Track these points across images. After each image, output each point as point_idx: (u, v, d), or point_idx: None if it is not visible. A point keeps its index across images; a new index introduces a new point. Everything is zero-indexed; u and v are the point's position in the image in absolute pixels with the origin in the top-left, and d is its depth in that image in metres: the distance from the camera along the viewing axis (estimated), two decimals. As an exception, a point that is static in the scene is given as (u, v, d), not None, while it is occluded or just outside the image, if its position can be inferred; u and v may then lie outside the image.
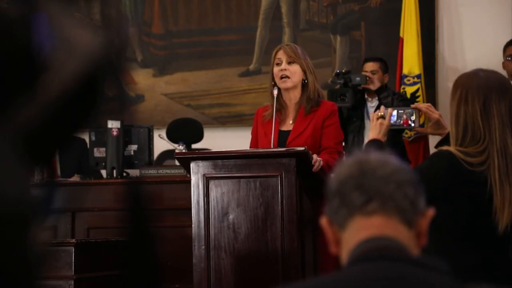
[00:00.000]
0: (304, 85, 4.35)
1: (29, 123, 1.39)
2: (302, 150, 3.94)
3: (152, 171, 5.41)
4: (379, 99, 5.95)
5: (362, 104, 6.04)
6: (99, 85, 1.45)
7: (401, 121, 3.57)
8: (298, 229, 3.92)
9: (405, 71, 6.46)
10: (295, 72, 4.32)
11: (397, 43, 6.56)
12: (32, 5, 1.42)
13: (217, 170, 4.02)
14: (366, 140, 5.96)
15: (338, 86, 5.99)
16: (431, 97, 6.58)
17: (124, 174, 5.49)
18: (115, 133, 5.43)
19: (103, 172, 5.68)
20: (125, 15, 7.36)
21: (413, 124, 3.59)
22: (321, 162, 4.01)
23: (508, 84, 2.94)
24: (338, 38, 7.12)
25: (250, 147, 4.42)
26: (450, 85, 3.06)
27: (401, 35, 6.55)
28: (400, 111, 3.57)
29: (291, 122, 4.35)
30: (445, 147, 2.91)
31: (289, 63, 4.33)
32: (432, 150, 5.31)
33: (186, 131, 6.67)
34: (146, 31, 7.50)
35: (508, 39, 6.04)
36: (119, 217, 1.54)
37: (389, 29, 6.83)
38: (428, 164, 3.00)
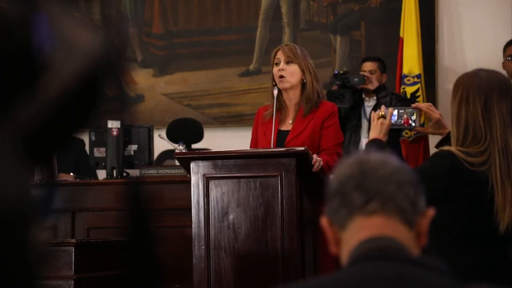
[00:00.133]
0: (304, 85, 4.35)
1: (29, 123, 1.39)
2: (302, 150, 3.94)
3: (152, 171, 5.41)
4: (377, 99, 5.96)
5: (360, 104, 6.05)
6: (99, 85, 1.45)
7: (402, 121, 3.57)
8: (298, 229, 3.92)
9: (405, 71, 6.46)
10: (293, 72, 4.32)
11: (397, 43, 6.56)
12: (32, 5, 1.42)
13: (217, 170, 4.02)
14: (362, 139, 6.01)
15: (336, 87, 6.00)
16: (431, 97, 6.57)
17: (124, 174, 5.49)
18: (115, 133, 5.43)
19: (103, 172, 5.68)
20: (125, 15, 7.36)
21: (413, 124, 3.59)
22: (321, 162, 4.02)
23: (509, 84, 2.94)
24: (338, 38, 7.12)
25: (250, 146, 4.42)
26: (450, 85, 3.06)
27: (401, 35, 6.55)
28: (400, 111, 3.57)
29: (290, 122, 4.35)
30: (446, 147, 2.91)
31: (287, 63, 4.32)
32: (432, 150, 5.32)
33: (186, 131, 6.67)
34: (146, 31, 7.50)
35: (508, 39, 6.04)
36: (119, 217, 1.54)
37: (389, 29, 6.83)
38: (429, 164, 3.00)
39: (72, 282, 4.32)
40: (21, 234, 1.35)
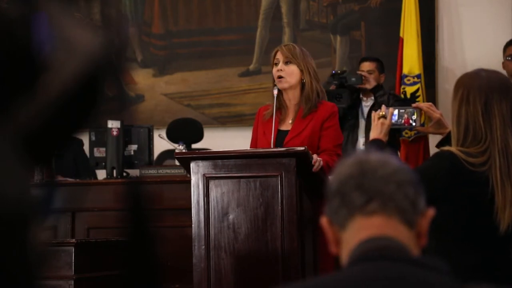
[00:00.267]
0: (304, 85, 4.34)
1: (29, 123, 1.39)
2: (302, 150, 3.94)
3: (152, 171, 5.41)
4: (375, 98, 5.97)
5: (357, 103, 6.06)
6: (99, 85, 1.45)
7: (402, 121, 3.57)
8: (298, 229, 3.92)
9: (405, 71, 6.46)
10: (291, 72, 4.32)
11: (397, 43, 6.56)
12: (32, 5, 1.42)
13: (217, 170, 4.02)
14: (360, 138, 6.03)
15: (333, 87, 6.01)
16: (431, 97, 6.57)
17: (124, 174, 5.49)
18: (115, 133, 5.43)
19: (103, 172, 5.68)
20: (125, 15, 7.36)
21: (414, 124, 3.59)
22: (321, 162, 4.01)
23: (509, 84, 2.94)
24: (338, 38, 7.12)
25: (250, 146, 4.42)
26: (450, 85, 3.07)
27: (401, 35, 6.55)
28: (401, 111, 3.57)
29: (290, 122, 4.35)
30: (446, 147, 2.91)
31: (286, 63, 4.32)
32: (432, 150, 5.32)
33: (186, 131, 6.67)
34: (146, 31, 7.50)
35: (508, 39, 6.04)
36: (119, 217, 1.54)
37: (389, 29, 6.83)
38: (429, 164, 3.00)
39: (72, 282, 4.32)
40: (21, 234, 1.35)
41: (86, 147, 5.89)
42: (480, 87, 2.87)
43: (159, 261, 1.53)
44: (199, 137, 6.62)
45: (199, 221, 4.00)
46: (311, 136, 4.25)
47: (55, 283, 4.26)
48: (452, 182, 2.83)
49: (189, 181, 4.07)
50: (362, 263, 1.47)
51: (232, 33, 7.35)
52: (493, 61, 5.78)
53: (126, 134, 5.56)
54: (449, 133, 3.05)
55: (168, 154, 6.43)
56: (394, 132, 5.73)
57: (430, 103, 3.69)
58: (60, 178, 5.43)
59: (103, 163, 5.55)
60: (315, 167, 3.98)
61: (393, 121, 3.52)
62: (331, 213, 1.55)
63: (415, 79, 6.43)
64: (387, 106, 3.64)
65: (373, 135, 3.43)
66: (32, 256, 1.37)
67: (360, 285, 1.44)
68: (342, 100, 5.93)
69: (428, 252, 2.49)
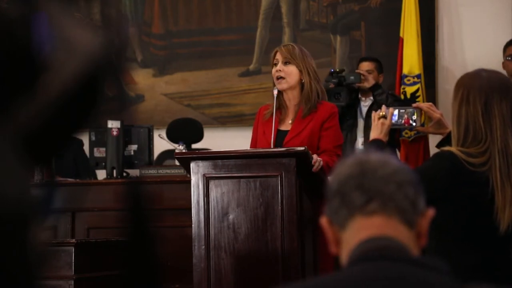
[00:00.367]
0: (303, 85, 4.34)
1: (29, 123, 1.39)
2: (302, 150, 3.94)
3: (152, 171, 5.41)
4: (374, 96, 5.97)
5: (356, 103, 6.07)
6: (99, 85, 1.45)
7: (403, 121, 3.57)
8: (298, 229, 3.92)
9: (405, 71, 6.45)
10: (290, 72, 4.31)
11: (397, 43, 6.56)
12: (32, 5, 1.42)
13: (217, 170, 4.02)
14: (358, 138, 6.03)
15: (332, 85, 6.02)
16: (431, 97, 6.57)
17: (124, 174, 5.49)
18: (115, 133, 5.43)
19: (103, 172, 5.68)
20: (125, 15, 7.36)
21: (414, 124, 3.59)
22: (321, 162, 4.01)
23: (510, 85, 2.94)
24: (338, 38, 7.12)
25: (250, 145, 4.42)
26: (450, 85, 3.07)
27: (401, 35, 6.54)
28: (401, 111, 3.57)
29: (290, 122, 4.35)
30: (446, 148, 2.91)
31: (285, 63, 4.32)
32: (432, 150, 5.31)
33: (186, 131, 6.67)
34: (146, 31, 7.50)
35: (508, 39, 6.04)
36: (119, 217, 1.54)
37: (389, 29, 6.83)
38: (430, 165, 3.00)
39: (72, 282, 4.32)
40: (21, 234, 1.35)
41: (86, 147, 5.89)
42: (480, 87, 2.87)
43: (159, 261, 1.53)
44: (199, 137, 6.62)
45: (199, 221, 4.00)
46: (311, 137, 4.25)
47: (55, 283, 4.26)
48: (453, 182, 2.83)
49: (189, 181, 4.07)
50: (362, 263, 1.47)
51: (232, 33, 7.34)
52: (493, 61, 5.78)
53: (126, 134, 5.56)
54: (449, 133, 3.05)
55: (168, 154, 6.43)
56: (393, 132, 5.73)
57: (430, 103, 3.69)
58: (60, 178, 5.43)
59: (103, 163, 5.55)
60: (315, 167, 3.98)
61: (393, 121, 3.52)
62: (331, 213, 1.55)
63: (415, 79, 6.42)
64: (386, 105, 3.64)
65: (373, 135, 3.43)
66: (32, 256, 1.37)
67: (360, 285, 1.44)
68: (341, 98, 5.94)
69: (428, 252, 2.49)
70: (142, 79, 7.45)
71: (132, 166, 5.59)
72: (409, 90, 6.41)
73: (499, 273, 2.85)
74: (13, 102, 1.38)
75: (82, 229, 5.21)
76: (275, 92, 4.33)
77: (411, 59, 6.46)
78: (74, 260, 4.32)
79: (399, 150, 6.17)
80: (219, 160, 4.02)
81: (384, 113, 3.45)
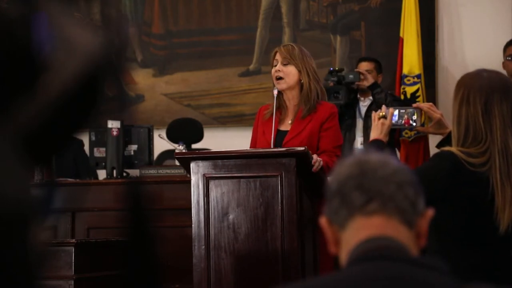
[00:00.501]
0: (303, 86, 4.34)
1: (29, 123, 1.39)
2: (302, 150, 3.94)
3: (152, 171, 5.41)
4: (372, 95, 5.98)
5: (355, 103, 6.08)
6: (99, 85, 1.45)
7: (403, 121, 3.57)
8: (298, 229, 3.92)
9: (405, 71, 6.45)
10: (289, 73, 4.31)
11: (397, 43, 6.56)
12: (32, 5, 1.42)
13: (217, 170, 4.02)
14: (357, 138, 6.03)
15: (331, 84, 6.02)
16: (431, 97, 6.57)
17: (124, 174, 5.49)
18: (115, 133, 5.43)
19: (103, 172, 5.68)
20: (125, 15, 7.36)
21: (414, 124, 3.59)
22: (321, 162, 4.01)
23: (510, 85, 2.93)
24: (338, 38, 7.12)
25: (250, 145, 4.42)
26: (450, 85, 3.07)
27: (401, 35, 6.54)
28: (401, 111, 3.57)
29: (290, 122, 4.35)
30: (447, 148, 2.91)
31: (284, 64, 4.32)
32: (433, 150, 5.31)
33: (186, 131, 6.67)
34: (146, 31, 7.50)
35: (508, 39, 6.04)
36: (119, 217, 1.54)
37: (389, 29, 6.83)
38: (430, 165, 3.00)
39: (72, 282, 4.32)
40: (21, 234, 1.35)
41: (86, 147, 5.89)
42: (480, 88, 2.87)
43: (159, 261, 1.53)
44: (199, 137, 6.62)
45: (199, 221, 4.00)
46: (310, 137, 4.25)
47: (55, 283, 4.26)
48: (453, 182, 2.83)
49: (189, 181, 4.07)
50: (362, 263, 1.47)
51: (232, 33, 7.34)
52: (493, 61, 5.78)
53: (126, 134, 5.56)
54: (450, 133, 3.05)
55: (168, 154, 6.42)
56: (393, 132, 5.74)
57: (430, 103, 3.69)
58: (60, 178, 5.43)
59: (103, 163, 5.55)
60: (315, 167, 3.98)
61: (393, 121, 3.52)
62: (330, 213, 1.55)
63: (415, 79, 6.42)
64: (385, 103, 3.64)
65: (373, 135, 3.43)
66: (32, 256, 1.37)
67: (360, 285, 1.44)
68: (340, 97, 5.95)
69: (428, 252, 2.49)
70: (142, 79, 7.45)
71: (132, 166, 5.59)
72: (409, 90, 6.41)
73: (499, 273, 2.85)
74: (13, 102, 1.39)
75: (82, 229, 5.21)
76: (275, 92, 4.33)
77: (411, 59, 6.46)
78: (74, 260, 4.32)
79: (399, 150, 6.17)
80: (219, 160, 4.02)
81: (384, 113, 3.45)
